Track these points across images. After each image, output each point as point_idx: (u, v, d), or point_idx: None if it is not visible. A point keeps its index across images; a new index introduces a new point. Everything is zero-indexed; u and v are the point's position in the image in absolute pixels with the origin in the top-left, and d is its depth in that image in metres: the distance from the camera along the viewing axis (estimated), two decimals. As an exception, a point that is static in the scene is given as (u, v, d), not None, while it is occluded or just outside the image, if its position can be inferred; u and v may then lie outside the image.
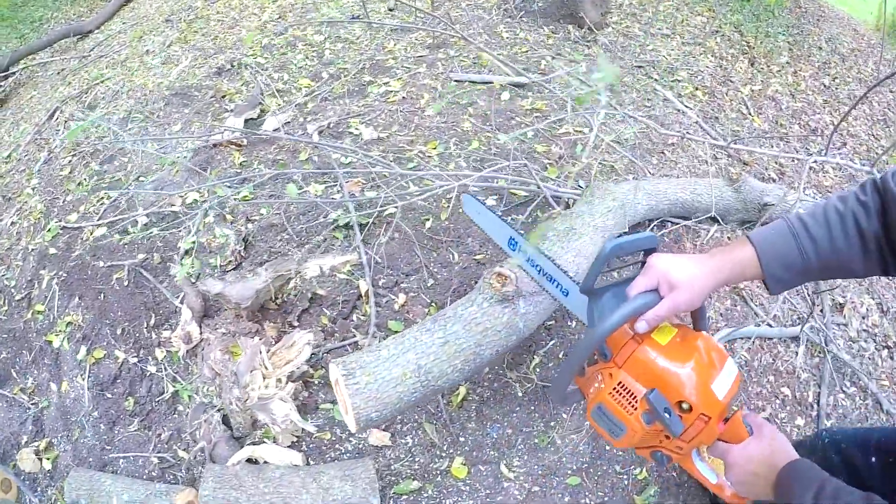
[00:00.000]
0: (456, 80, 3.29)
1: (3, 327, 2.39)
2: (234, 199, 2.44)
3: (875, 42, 5.35)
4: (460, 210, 2.38)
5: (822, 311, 2.43)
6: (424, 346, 1.33)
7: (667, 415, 0.81)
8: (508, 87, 3.21)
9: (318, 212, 2.40)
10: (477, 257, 2.21)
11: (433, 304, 2.05)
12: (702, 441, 0.85)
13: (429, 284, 2.12)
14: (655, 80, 3.71)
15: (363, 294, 2.08)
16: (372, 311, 2.00)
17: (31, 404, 2.13)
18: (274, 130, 2.89)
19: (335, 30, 3.88)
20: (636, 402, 0.84)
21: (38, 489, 1.92)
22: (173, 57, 3.87)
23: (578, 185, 2.57)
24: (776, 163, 3.24)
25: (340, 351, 1.94)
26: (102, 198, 2.78)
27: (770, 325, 2.29)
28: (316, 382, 1.85)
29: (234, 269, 2.28)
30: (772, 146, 3.42)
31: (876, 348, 2.38)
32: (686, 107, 3.51)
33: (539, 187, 2.28)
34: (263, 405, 1.59)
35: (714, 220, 2.57)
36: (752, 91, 3.86)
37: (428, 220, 2.34)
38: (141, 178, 2.84)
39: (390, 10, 4.20)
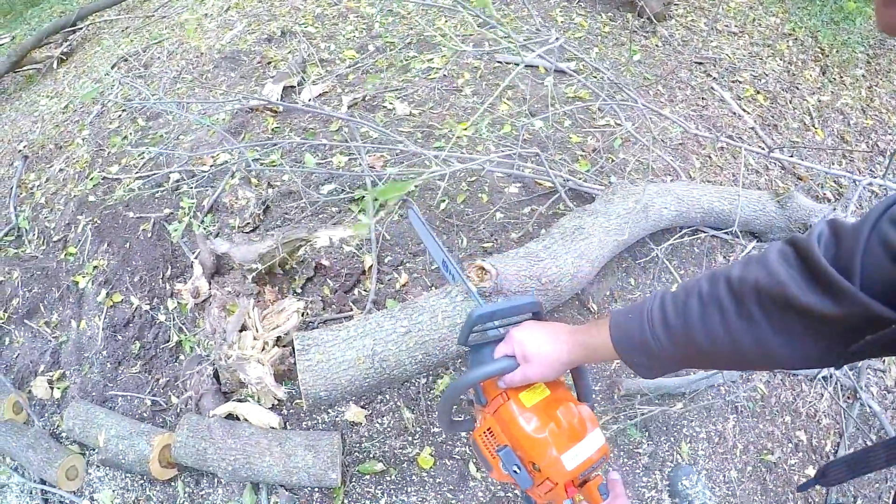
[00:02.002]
0: (499, 62, 3.21)
1: (38, 265, 2.54)
2: (261, 165, 2.49)
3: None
4: (479, 194, 2.34)
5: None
6: (384, 333, 1.31)
7: (515, 470, 0.86)
8: (552, 72, 3.11)
9: (337, 183, 2.42)
10: (486, 245, 2.16)
11: (433, 286, 2.03)
12: (553, 499, 0.88)
13: (433, 267, 2.10)
14: (714, 78, 3.51)
15: (367, 269, 2.08)
16: (372, 288, 2.00)
17: (53, 338, 2.26)
18: (308, 100, 2.92)
19: (388, 3, 3.87)
20: (496, 449, 0.90)
21: (45, 415, 2.04)
22: (229, 21, 3.97)
23: (609, 182, 2.47)
24: (834, 181, 3.00)
25: (336, 322, 1.95)
26: (143, 152, 2.89)
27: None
28: (305, 350, 1.87)
29: (251, 231, 2.33)
30: (831, 163, 3.17)
31: None
32: (744, 110, 3.31)
33: (553, 182, 2.20)
34: (240, 365, 1.62)
35: (753, 235, 2.42)
36: (820, 101, 3.58)
37: (444, 201, 2.31)
38: (181, 137, 2.94)
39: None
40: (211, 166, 2.64)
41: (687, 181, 2.54)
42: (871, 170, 3.25)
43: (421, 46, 3.38)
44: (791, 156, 3.03)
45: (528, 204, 2.33)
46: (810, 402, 2.04)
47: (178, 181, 2.63)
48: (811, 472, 1.88)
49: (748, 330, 0.66)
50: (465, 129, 2.68)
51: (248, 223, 2.35)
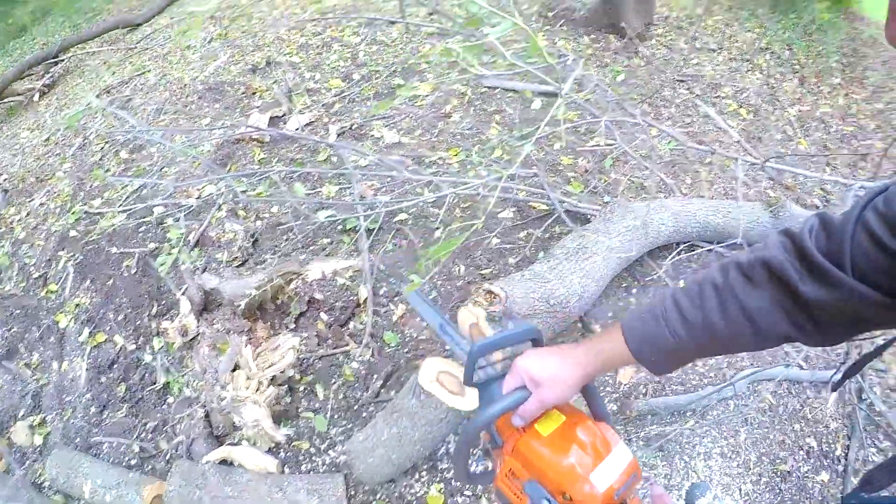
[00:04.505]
0: (487, 87, 3.22)
1: (17, 303, 2.45)
2: (248, 196, 2.43)
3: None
4: (474, 220, 2.30)
5: (860, 354, 2.23)
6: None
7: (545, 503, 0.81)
8: (539, 95, 3.12)
9: (331, 212, 2.37)
10: (484, 272, 2.11)
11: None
12: None
13: (430, 297, 2.04)
14: (697, 95, 3.55)
15: (361, 302, 2.02)
16: (368, 321, 1.94)
17: (33, 379, 2.16)
18: (295, 130, 2.88)
19: (373, 32, 3.89)
20: (521, 489, 0.84)
21: (26, 463, 1.94)
22: (212, 52, 3.95)
23: (604, 202, 2.45)
24: (821, 189, 3.02)
25: (332, 359, 1.89)
26: (126, 185, 2.82)
27: (801, 367, 2.10)
28: (301, 389, 1.80)
29: (239, 265, 2.27)
30: (816, 170, 3.19)
31: None
32: (728, 125, 3.33)
33: (552, 202, 2.17)
34: (235, 407, 1.54)
35: (749, 246, 2.41)
36: (800, 112, 3.63)
37: (438, 228, 2.26)
38: (165, 169, 2.88)
39: (430, 14, 4.18)
40: (197, 199, 2.58)
41: (681, 197, 2.53)
42: (854, 175, 3.28)
43: (407, 74, 3.38)
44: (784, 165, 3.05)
45: (523, 228, 2.30)
46: (817, 408, 2.02)
47: (162, 214, 2.56)
48: (825, 477, 1.85)
49: (761, 297, 0.72)
50: (455, 155, 2.66)
51: (237, 257, 2.29)
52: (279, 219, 2.39)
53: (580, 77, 3.24)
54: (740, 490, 1.79)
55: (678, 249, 2.23)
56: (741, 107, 3.54)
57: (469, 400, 1.53)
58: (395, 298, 2.04)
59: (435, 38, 3.81)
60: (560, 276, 1.67)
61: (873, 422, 2.00)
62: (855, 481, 1.84)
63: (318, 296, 2.03)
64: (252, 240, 2.34)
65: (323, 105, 3.13)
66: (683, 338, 0.78)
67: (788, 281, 0.68)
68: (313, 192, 2.48)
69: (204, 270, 2.25)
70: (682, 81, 3.66)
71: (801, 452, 1.90)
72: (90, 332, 2.20)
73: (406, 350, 1.87)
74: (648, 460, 1.74)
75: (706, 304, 0.76)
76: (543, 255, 1.97)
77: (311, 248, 2.26)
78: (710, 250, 2.29)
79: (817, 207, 2.86)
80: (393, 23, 3.83)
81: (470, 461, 0.93)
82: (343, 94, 3.21)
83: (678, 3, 4.91)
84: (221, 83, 3.49)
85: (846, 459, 1.89)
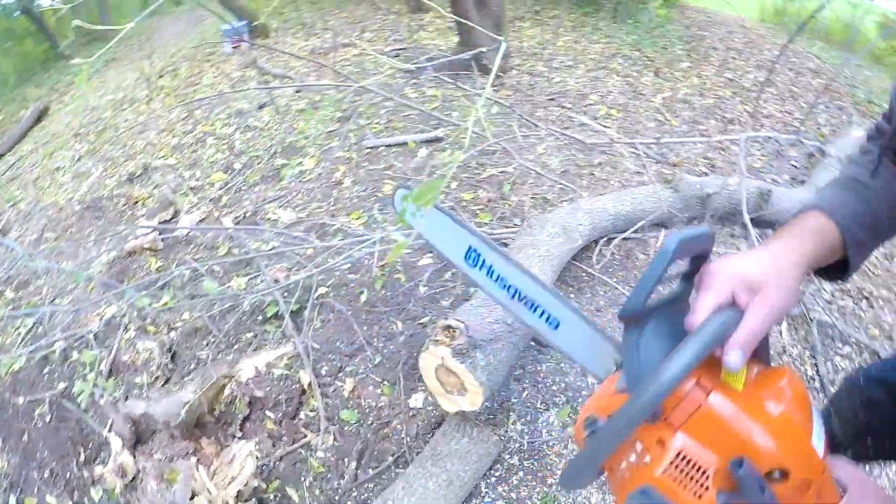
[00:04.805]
0: (370, 148, 3.27)
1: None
2: (154, 307, 2.28)
3: (763, 32, 5.68)
4: (395, 275, 2.28)
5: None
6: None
7: (759, 491, 0.55)
8: (423, 144, 3.24)
9: (244, 307, 2.26)
10: (422, 321, 2.09)
11: (385, 382, 1.91)
12: None
13: (376, 362, 1.98)
14: (568, 108, 3.79)
15: (306, 387, 1.93)
16: (319, 405, 1.85)
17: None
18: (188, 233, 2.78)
19: (244, 119, 3.90)
20: (707, 478, 0.57)
21: None
22: (84, 170, 3.79)
23: (514, 224, 2.52)
24: (704, 157, 3.31)
25: (294, 455, 1.77)
26: (19, 326, 2.58)
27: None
28: (272, 497, 1.66)
29: (164, 383, 2.10)
30: (696, 144, 3.50)
31: (854, 302, 2.38)
32: (604, 126, 3.58)
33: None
34: (204, 537, 1.40)
35: (661, 225, 2.55)
36: (664, 99, 3.98)
37: (362, 293, 2.22)
38: (57, 300, 2.66)
39: (297, 92, 4.22)
40: (99, 323, 2.39)
41: (588, 197, 2.65)
42: (728, 139, 3.60)
43: (288, 152, 3.37)
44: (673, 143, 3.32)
45: (446, 269, 2.31)
46: (773, 343, 2.13)
47: (65, 349, 2.34)
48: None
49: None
50: (358, 218, 2.65)
51: (158, 376, 2.13)
52: (193, 324, 2.26)
53: (458, 117, 3.39)
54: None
55: (598, 246, 2.34)
56: (611, 108, 3.83)
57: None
58: (340, 374, 1.97)
59: (307, 114, 3.85)
60: (501, 302, 1.67)
61: (828, 335, 2.18)
62: (833, 390, 1.95)
63: (258, 394, 1.92)
64: (170, 354, 2.20)
65: (210, 200, 3.06)
66: (876, 206, 0.75)
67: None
68: (223, 287, 2.38)
69: (126, 399, 2.06)
70: (551, 100, 3.92)
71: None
72: (17, 500, 1.94)
73: (370, 422, 1.80)
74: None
75: (868, 174, 0.79)
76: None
77: (236, 346, 2.15)
78: (625, 239, 2.41)
79: (706, 174, 3.11)
80: (262, 107, 3.84)
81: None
82: (228, 186, 3.16)
83: (526, 33, 5.31)
84: (99, 199, 3.36)
85: (819, 375, 2.03)
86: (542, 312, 0.86)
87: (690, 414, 0.58)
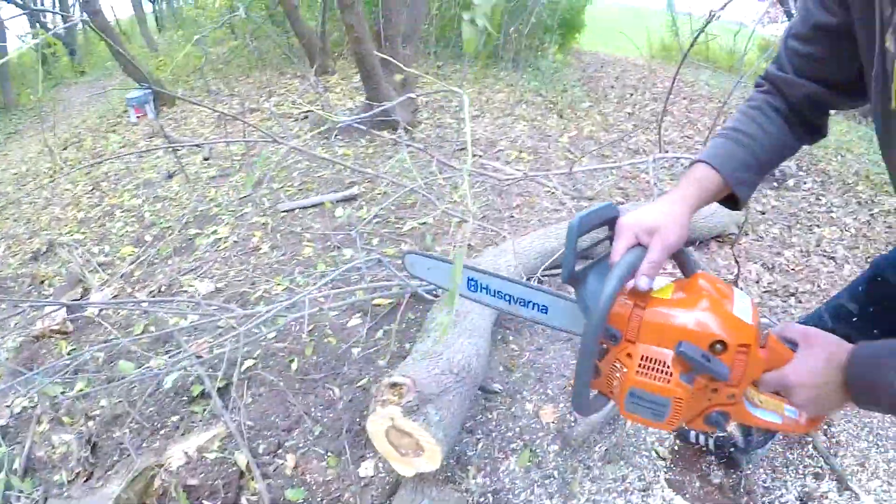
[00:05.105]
0: (285, 211, 3.13)
1: None
2: (68, 395, 1.99)
3: (654, 66, 6.14)
4: (325, 339, 2.10)
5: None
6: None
7: (705, 361, 0.74)
8: (339, 203, 3.15)
9: (166, 387, 2.00)
10: (361, 383, 1.91)
11: (329, 453, 1.70)
12: (751, 376, 0.79)
13: (317, 433, 1.77)
14: (480, 155, 3.84)
15: (244, 469, 1.68)
16: (261, 487, 1.61)
17: None
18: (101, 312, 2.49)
19: (153, 190, 3.74)
20: (668, 367, 0.77)
21: None
22: (-16, 249, 3.40)
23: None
24: (617, 188, 3.40)
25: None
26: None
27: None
28: None
29: (85, 480, 1.78)
30: (607, 176, 3.60)
31: (783, 300, 2.42)
32: (516, 170, 3.62)
33: (403, 284, 2.08)
34: None
35: (586, 257, 2.53)
36: (570, 138, 4.13)
37: (292, 361, 2.03)
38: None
39: (206, 159, 4.06)
40: (8, 417, 2.06)
41: (511, 238, 2.61)
42: (636, 167, 3.73)
43: (200, 221, 3.20)
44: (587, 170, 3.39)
45: (376, 329, 2.16)
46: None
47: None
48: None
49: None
50: (279, 284, 2.47)
51: (79, 472, 1.81)
52: (112, 411, 1.97)
53: (372, 175, 3.33)
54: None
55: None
56: (521, 152, 3.91)
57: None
58: (279, 451, 1.73)
59: (218, 181, 3.69)
60: (448, 345, 1.59)
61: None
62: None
63: (192, 482, 1.65)
64: (89, 446, 1.89)
65: (121, 276, 2.82)
66: (756, 149, 0.91)
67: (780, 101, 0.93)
68: (142, 368, 2.10)
69: (45, 501, 1.73)
70: (462, 150, 3.95)
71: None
72: None
73: (319, 499, 1.59)
74: (619, 472, 1.60)
75: (756, 119, 0.94)
76: (420, 334, 1.85)
77: (162, 431, 1.88)
78: (550, 275, 2.36)
79: (622, 202, 3.18)
80: (171, 176, 3.66)
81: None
82: (140, 260, 2.96)
83: (431, 87, 5.45)
84: (2, 280, 3.08)
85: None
86: (533, 305, 1.05)
87: (638, 328, 0.79)
